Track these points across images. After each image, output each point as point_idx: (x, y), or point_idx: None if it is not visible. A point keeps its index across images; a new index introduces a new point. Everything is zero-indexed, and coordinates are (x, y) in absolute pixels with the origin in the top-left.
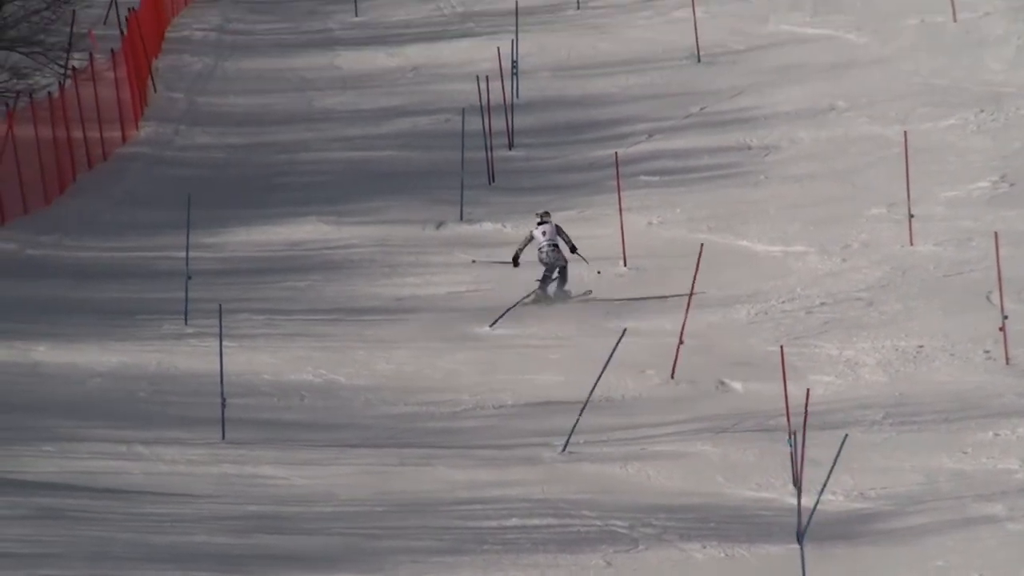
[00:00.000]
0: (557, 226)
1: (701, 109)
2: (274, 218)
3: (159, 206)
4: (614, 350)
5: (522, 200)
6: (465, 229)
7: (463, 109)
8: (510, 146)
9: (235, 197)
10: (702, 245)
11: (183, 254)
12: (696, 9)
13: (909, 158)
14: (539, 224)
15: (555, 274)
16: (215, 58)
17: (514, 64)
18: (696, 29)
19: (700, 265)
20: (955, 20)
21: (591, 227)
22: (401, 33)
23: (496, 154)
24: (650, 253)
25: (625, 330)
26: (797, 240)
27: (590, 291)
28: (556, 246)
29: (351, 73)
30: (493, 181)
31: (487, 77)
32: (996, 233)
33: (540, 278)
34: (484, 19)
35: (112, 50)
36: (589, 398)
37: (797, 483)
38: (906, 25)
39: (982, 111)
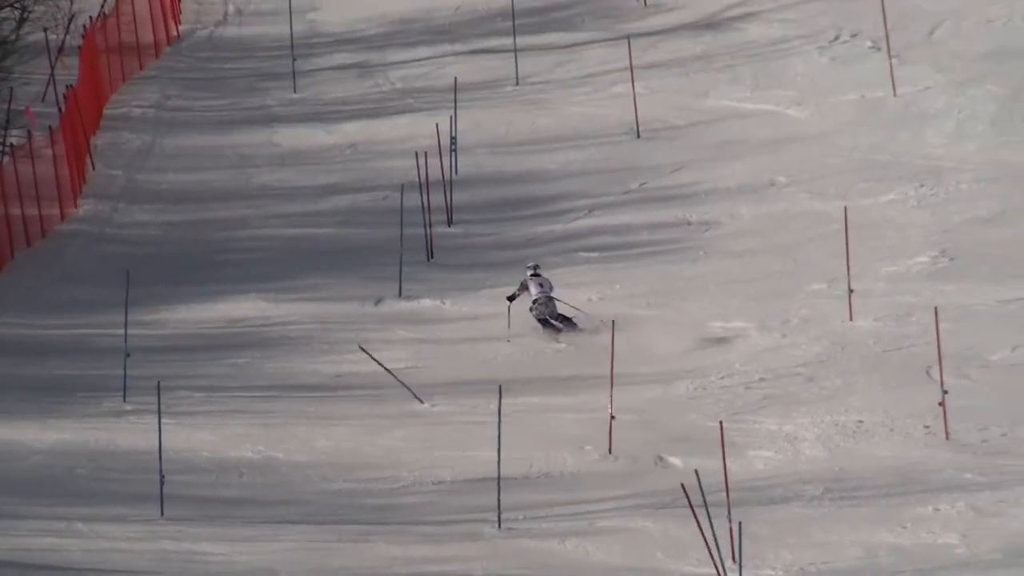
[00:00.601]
0: (547, 279)
1: (640, 185)
2: (213, 295)
3: (98, 283)
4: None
5: (461, 276)
6: (404, 306)
7: (402, 185)
8: (449, 222)
9: (174, 274)
10: (613, 322)
11: (122, 331)
12: (635, 85)
13: (849, 233)
14: (533, 276)
15: (553, 322)
16: (153, 135)
17: (453, 140)
18: (635, 104)
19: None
20: (895, 95)
21: (529, 301)
22: (340, 110)
23: (435, 230)
24: (589, 327)
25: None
26: (737, 316)
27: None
28: (552, 298)
29: (290, 150)
30: (432, 257)
31: (426, 153)
32: (936, 308)
33: (546, 328)
34: (423, 95)
35: (50, 127)
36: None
37: (737, 559)
38: (846, 100)
39: (922, 186)
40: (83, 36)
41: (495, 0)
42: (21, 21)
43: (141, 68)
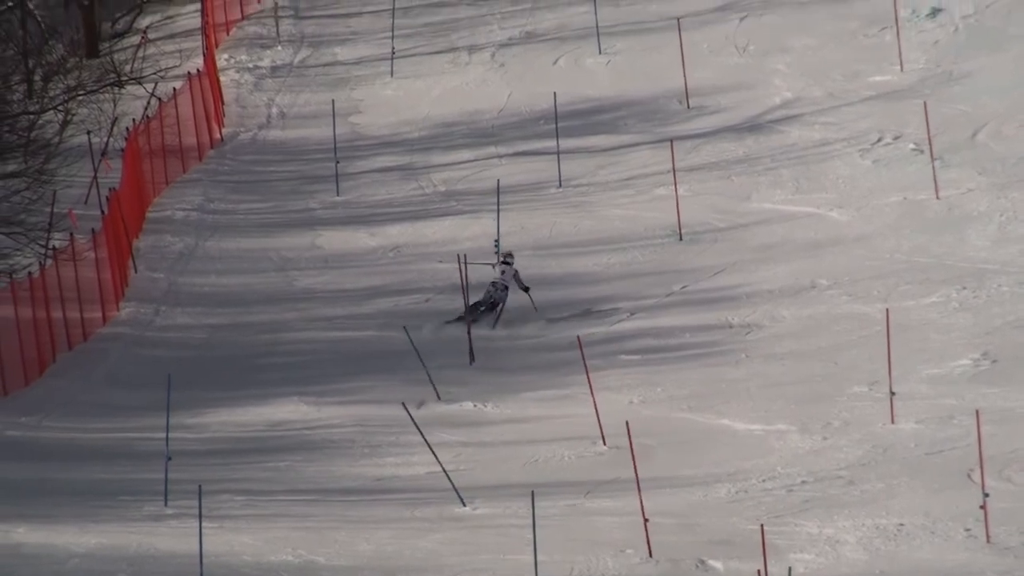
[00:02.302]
0: (516, 271)
1: (682, 287)
2: (255, 398)
3: (140, 387)
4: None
5: (503, 380)
6: (444, 409)
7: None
8: (492, 325)
9: (216, 377)
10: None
11: (163, 435)
12: (678, 187)
13: (891, 336)
14: (502, 263)
15: (487, 307)
16: (196, 238)
17: (496, 244)
18: (678, 207)
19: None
20: (937, 197)
21: (572, 406)
22: (383, 212)
23: (477, 333)
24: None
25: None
26: (778, 418)
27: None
28: (507, 287)
29: (332, 253)
30: (474, 361)
31: (464, 255)
32: (978, 411)
33: (472, 305)
34: (466, 198)
35: (93, 230)
36: None
37: None
38: (888, 202)
39: (964, 288)
40: (126, 139)
41: (538, 103)
42: (65, 124)
43: (184, 171)
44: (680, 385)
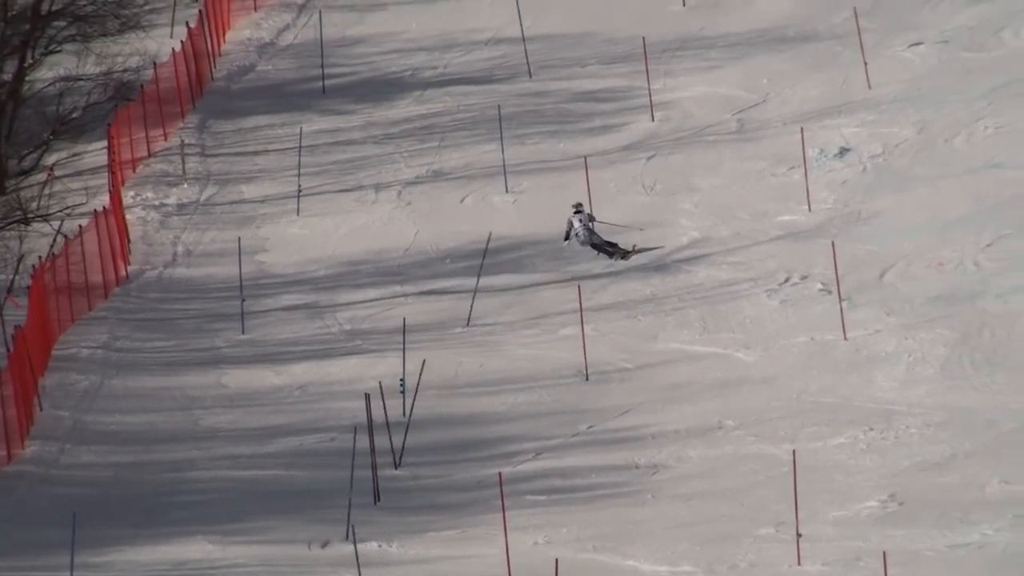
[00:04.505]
0: (591, 215)
1: (589, 427)
2: (161, 537)
3: (45, 525)
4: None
5: (407, 520)
6: (350, 548)
7: (354, 427)
8: (396, 464)
9: (121, 516)
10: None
11: (68, 574)
12: (584, 327)
13: (797, 477)
14: (575, 213)
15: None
16: (102, 376)
17: (401, 382)
18: (584, 347)
19: None
20: (845, 338)
21: (477, 546)
22: (288, 351)
23: (382, 472)
24: (535, 573)
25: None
26: (684, 559)
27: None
28: (590, 230)
29: (238, 391)
30: (379, 500)
31: (368, 395)
32: (884, 553)
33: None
34: (371, 336)
35: None
36: None
37: None
38: (795, 343)
39: (871, 429)
40: (32, 276)
41: (445, 241)
42: None
43: (90, 308)
44: (586, 525)
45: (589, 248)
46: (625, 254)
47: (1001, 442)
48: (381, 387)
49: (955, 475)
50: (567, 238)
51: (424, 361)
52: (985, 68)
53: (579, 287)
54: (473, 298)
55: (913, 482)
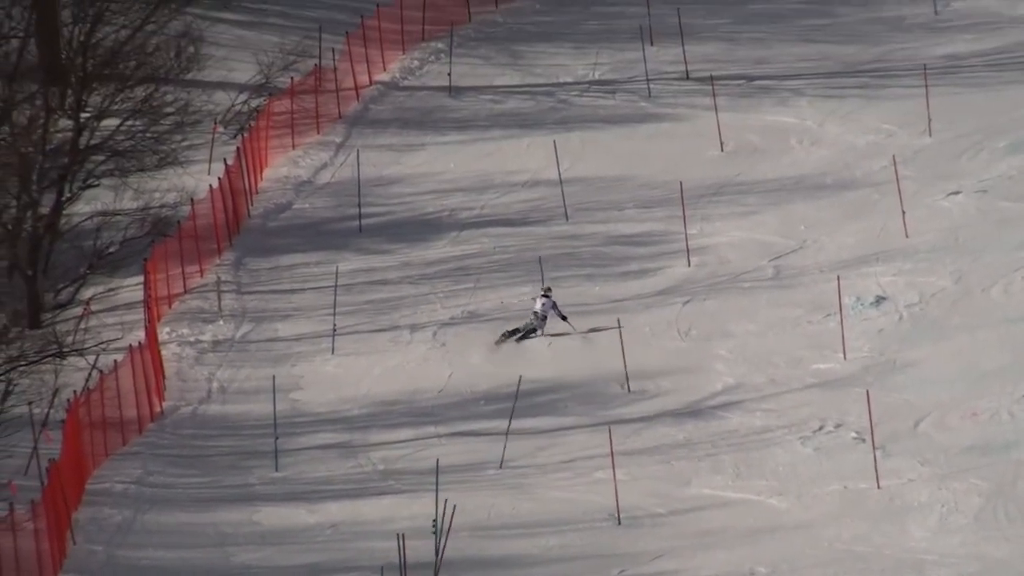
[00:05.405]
0: (554, 302)
1: (621, 572)
2: None
3: None
4: None
5: None
6: None
7: (381, 567)
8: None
9: None
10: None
11: None
12: (617, 471)
13: None
14: (542, 296)
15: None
16: (135, 511)
17: (433, 524)
18: (616, 491)
19: None
20: (878, 487)
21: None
22: (321, 489)
23: None
24: None
25: None
26: None
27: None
28: (545, 318)
29: (271, 529)
30: None
31: (403, 535)
32: None
33: (511, 331)
34: (405, 477)
35: (32, 501)
36: None
37: None
38: (829, 491)
39: None
40: (67, 410)
41: (478, 383)
42: (6, 394)
43: (124, 443)
44: None
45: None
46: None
47: None
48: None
49: None
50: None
51: (455, 507)
52: (1023, 218)
53: (610, 430)
54: (506, 440)
55: None
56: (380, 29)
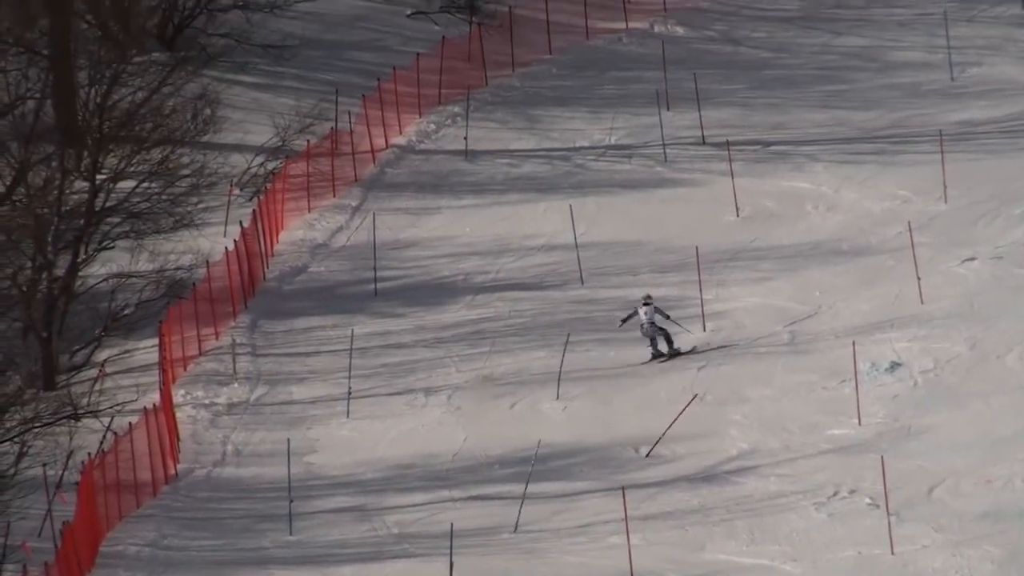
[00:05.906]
0: (656, 307)
1: None
2: None
3: None
4: None
5: None
6: None
7: None
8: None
9: None
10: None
11: None
12: (631, 535)
13: None
14: (644, 305)
15: (658, 339)
16: (148, 574)
17: None
18: (630, 555)
19: None
20: (893, 553)
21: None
22: (336, 553)
23: None
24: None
25: None
26: None
27: (695, 347)
28: (654, 323)
29: None
30: None
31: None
32: None
33: (650, 346)
34: (419, 540)
35: (46, 563)
36: None
37: None
38: (843, 556)
39: None
40: (81, 472)
41: (493, 448)
42: (20, 456)
43: (138, 506)
44: None
45: (648, 341)
46: (671, 356)
47: None
48: None
49: None
50: (625, 320)
51: None
52: None
53: (623, 492)
54: (521, 504)
55: None
56: (396, 92)
